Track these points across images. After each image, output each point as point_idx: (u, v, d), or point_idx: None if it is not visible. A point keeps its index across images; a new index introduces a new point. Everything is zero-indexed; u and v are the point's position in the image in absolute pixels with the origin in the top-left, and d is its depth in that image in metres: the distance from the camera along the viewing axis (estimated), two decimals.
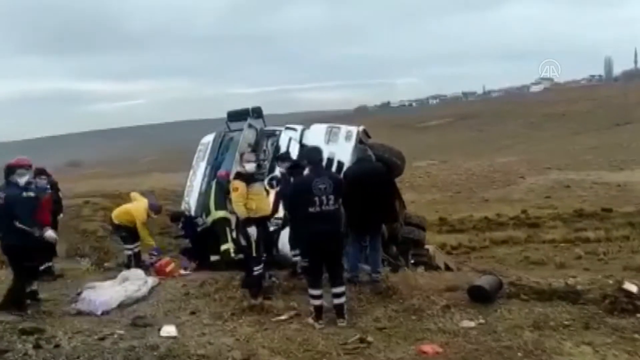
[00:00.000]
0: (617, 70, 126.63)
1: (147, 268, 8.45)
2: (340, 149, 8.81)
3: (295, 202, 6.00)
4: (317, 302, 5.90)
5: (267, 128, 9.81)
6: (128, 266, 8.72)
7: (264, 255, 7.18)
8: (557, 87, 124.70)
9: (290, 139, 9.23)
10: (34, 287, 6.93)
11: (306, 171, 6.32)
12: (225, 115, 10.28)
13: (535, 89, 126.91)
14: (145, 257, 8.98)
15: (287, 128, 9.57)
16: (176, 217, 9.43)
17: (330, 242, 5.85)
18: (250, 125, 9.41)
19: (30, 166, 6.94)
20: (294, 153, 9.03)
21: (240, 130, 9.93)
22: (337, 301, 5.88)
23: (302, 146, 9.08)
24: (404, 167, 9.70)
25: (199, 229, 8.78)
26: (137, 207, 8.86)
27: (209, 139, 10.00)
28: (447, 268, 11.48)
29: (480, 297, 5.96)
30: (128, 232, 8.81)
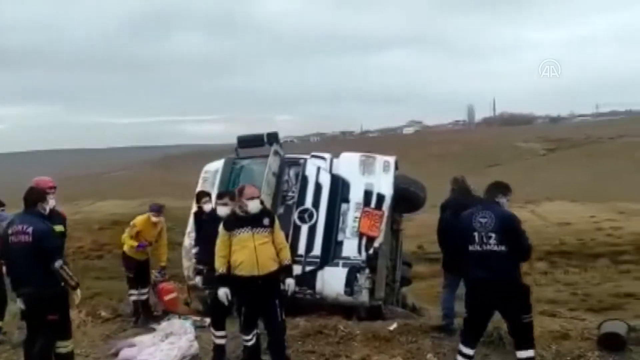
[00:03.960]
0: (478, 116, 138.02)
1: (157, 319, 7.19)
2: (379, 181, 8.14)
3: (459, 237, 5.05)
4: None
5: (288, 156, 8.88)
6: (136, 316, 7.30)
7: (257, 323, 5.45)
8: (426, 129, 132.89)
9: (319, 169, 8.38)
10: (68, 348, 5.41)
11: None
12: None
13: (407, 130, 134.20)
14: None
15: (313, 156, 8.72)
16: None
17: (492, 293, 4.84)
18: (276, 152, 8.42)
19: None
20: (325, 183, 8.23)
21: (252, 157, 8.95)
22: None
23: (333, 176, 8.29)
24: (425, 200, 9.28)
25: None
26: (140, 219, 7.69)
27: (215, 166, 8.81)
28: (414, 309, 10.86)
29: (612, 344, 5.52)
30: (139, 270, 7.44)
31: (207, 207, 7.44)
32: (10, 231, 4.98)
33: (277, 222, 5.44)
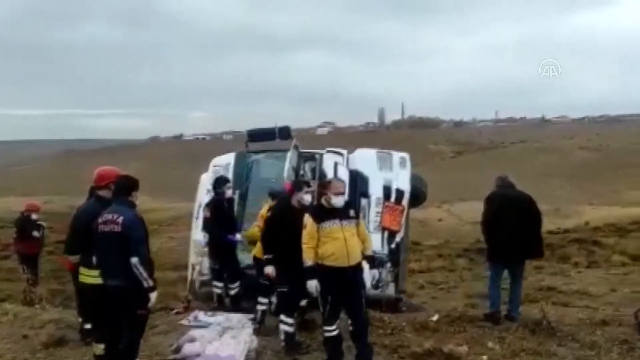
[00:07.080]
0: (388, 119, 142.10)
1: None
2: (397, 176, 8.34)
3: None
4: None
5: (302, 150, 8.82)
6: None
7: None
8: (339, 131, 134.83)
9: (336, 164, 8.41)
10: None
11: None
12: None
13: (320, 131, 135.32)
14: None
15: (329, 151, 8.74)
16: None
17: None
18: (295, 147, 8.33)
19: None
20: (344, 178, 8.25)
21: (266, 151, 8.91)
22: None
23: (351, 171, 8.35)
24: (426, 196, 9.61)
25: None
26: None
27: (227, 160, 8.63)
28: None
29: None
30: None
31: (229, 193, 7.51)
32: (100, 220, 4.66)
33: (360, 213, 5.47)
